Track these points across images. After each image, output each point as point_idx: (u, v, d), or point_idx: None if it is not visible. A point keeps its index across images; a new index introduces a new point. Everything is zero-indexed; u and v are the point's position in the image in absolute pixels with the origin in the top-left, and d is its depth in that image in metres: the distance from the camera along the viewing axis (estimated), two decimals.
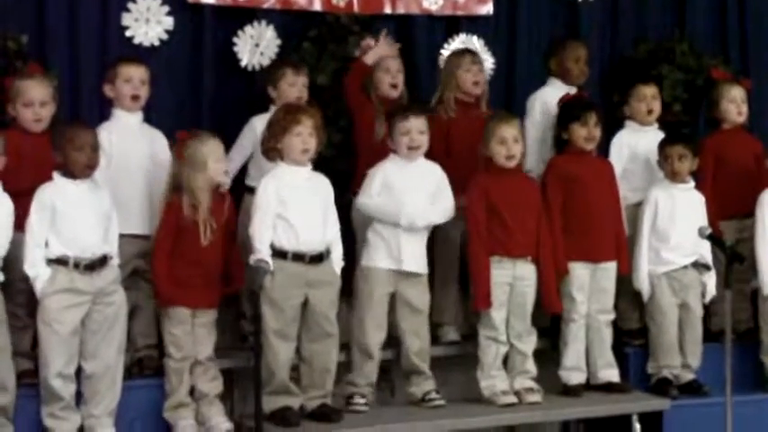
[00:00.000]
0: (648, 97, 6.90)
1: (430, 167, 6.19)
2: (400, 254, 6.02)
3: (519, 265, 6.18)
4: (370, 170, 6.13)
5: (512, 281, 6.18)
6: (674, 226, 6.50)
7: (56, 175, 5.55)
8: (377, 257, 6.05)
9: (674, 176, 6.56)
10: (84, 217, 5.55)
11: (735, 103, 6.98)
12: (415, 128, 6.10)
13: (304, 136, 5.84)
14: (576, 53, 7.01)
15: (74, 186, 5.56)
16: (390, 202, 6.02)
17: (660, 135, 6.75)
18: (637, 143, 6.81)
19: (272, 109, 6.31)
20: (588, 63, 7.08)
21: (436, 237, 6.49)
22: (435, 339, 6.46)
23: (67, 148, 5.52)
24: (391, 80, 6.55)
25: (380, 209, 6.03)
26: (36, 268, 5.47)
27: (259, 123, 6.28)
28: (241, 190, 6.31)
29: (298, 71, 6.46)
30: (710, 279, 6.56)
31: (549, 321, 6.54)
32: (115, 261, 5.70)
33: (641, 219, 6.54)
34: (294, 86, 6.42)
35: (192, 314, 5.77)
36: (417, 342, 6.13)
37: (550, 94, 6.83)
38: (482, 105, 6.73)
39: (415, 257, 6.07)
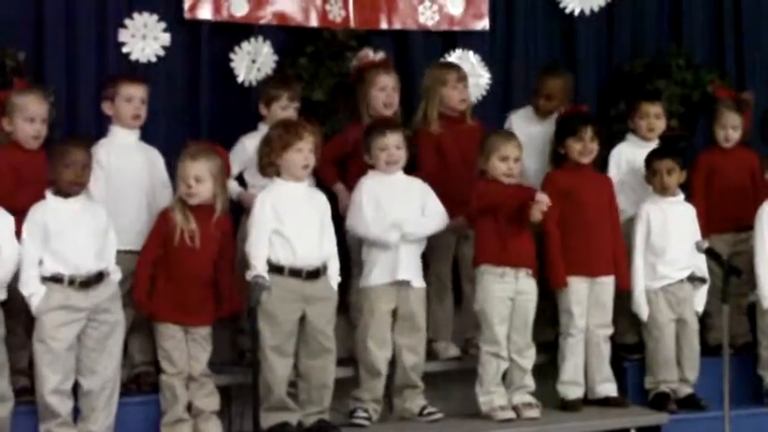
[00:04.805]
0: (651, 116, 6.89)
1: (410, 181, 6.23)
2: (397, 265, 6.04)
3: (521, 279, 6.18)
4: (353, 192, 6.15)
5: (513, 295, 6.18)
6: (668, 240, 6.51)
7: (48, 194, 5.56)
8: (373, 275, 6.07)
9: (663, 191, 6.57)
10: (78, 235, 5.55)
11: (724, 130, 6.97)
12: (393, 143, 6.13)
13: (305, 152, 5.86)
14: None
15: (66, 205, 5.56)
16: (379, 219, 6.03)
17: None
18: (635, 157, 6.81)
19: (261, 127, 6.34)
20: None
21: (430, 252, 6.51)
22: (433, 355, 6.46)
23: (57, 165, 5.55)
24: (386, 99, 6.53)
25: (373, 233, 6.04)
26: (30, 287, 5.48)
27: (249, 142, 6.30)
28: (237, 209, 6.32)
29: (293, 97, 6.44)
30: (701, 292, 6.57)
31: (555, 336, 6.52)
32: (115, 276, 5.70)
33: (634, 236, 6.54)
34: (286, 110, 6.41)
35: (185, 329, 5.78)
36: (414, 358, 6.14)
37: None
38: (467, 118, 6.74)
39: (410, 268, 6.09)
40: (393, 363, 6.16)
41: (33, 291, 5.48)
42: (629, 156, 6.86)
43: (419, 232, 6.14)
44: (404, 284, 6.09)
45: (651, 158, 6.63)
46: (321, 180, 6.36)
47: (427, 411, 6.13)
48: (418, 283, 6.16)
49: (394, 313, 6.12)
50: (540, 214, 6.06)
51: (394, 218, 6.05)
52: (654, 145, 6.85)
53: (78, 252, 5.54)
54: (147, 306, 5.77)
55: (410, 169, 6.52)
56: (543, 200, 6.04)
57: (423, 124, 6.61)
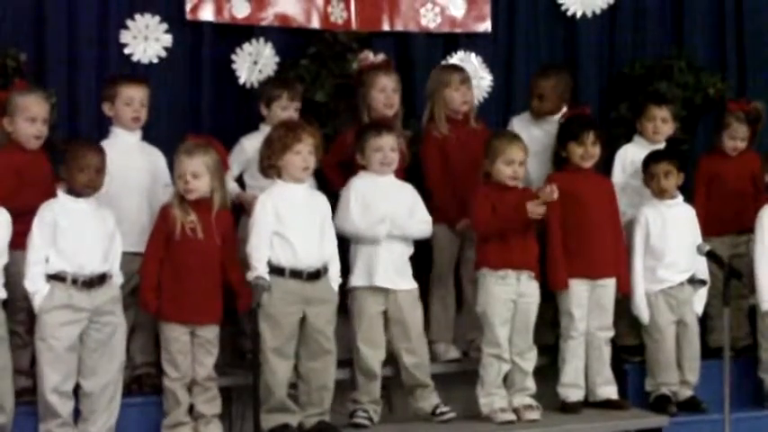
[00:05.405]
0: (658, 119, 6.87)
1: (401, 184, 6.24)
2: (375, 270, 6.03)
3: (523, 282, 6.18)
4: (343, 191, 6.14)
5: (515, 298, 6.18)
6: (668, 243, 6.51)
7: (60, 192, 5.58)
8: (358, 277, 6.08)
9: (661, 194, 6.56)
10: (86, 235, 5.57)
11: (733, 141, 6.97)
12: (388, 145, 6.13)
13: (304, 154, 5.86)
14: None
15: (77, 204, 5.58)
16: (367, 216, 6.03)
17: None
18: (640, 159, 6.75)
19: (262, 128, 6.33)
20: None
21: (434, 254, 6.51)
22: (433, 357, 6.46)
23: (71, 166, 5.55)
24: (386, 100, 6.52)
25: (362, 229, 6.04)
26: (35, 284, 5.48)
27: (248, 143, 6.31)
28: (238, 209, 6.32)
29: (293, 97, 6.44)
30: (700, 294, 6.57)
31: (555, 339, 6.52)
32: (117, 280, 5.71)
33: (634, 241, 6.53)
34: (286, 110, 6.41)
35: (192, 332, 5.77)
36: (413, 358, 6.13)
37: None
38: (471, 120, 6.74)
39: (391, 273, 6.07)
40: (398, 364, 6.17)
41: (38, 288, 5.48)
42: (634, 157, 6.83)
43: (407, 229, 6.12)
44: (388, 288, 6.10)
45: (648, 161, 6.62)
46: (328, 184, 6.35)
47: (440, 411, 6.13)
48: (405, 285, 6.14)
49: (386, 314, 6.13)
50: (552, 195, 6.07)
51: (382, 213, 6.05)
52: (660, 147, 6.84)
53: (84, 251, 5.54)
54: (153, 304, 5.75)
55: (412, 170, 6.54)
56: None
57: (429, 126, 6.62)
